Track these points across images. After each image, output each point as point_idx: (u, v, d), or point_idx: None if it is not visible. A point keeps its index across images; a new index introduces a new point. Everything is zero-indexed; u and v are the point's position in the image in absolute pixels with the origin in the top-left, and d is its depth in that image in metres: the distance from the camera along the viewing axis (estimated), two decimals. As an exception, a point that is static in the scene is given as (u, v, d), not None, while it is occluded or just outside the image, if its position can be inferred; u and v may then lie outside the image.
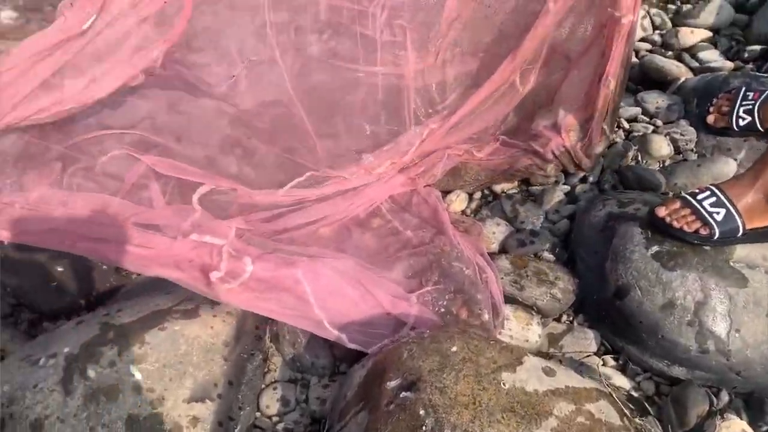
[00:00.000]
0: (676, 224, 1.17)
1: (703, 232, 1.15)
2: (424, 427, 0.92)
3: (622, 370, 1.23)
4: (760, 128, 1.45)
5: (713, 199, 1.17)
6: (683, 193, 1.21)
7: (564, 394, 0.98)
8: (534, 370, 1.01)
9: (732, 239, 1.15)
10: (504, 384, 0.97)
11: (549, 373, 1.01)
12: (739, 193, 1.17)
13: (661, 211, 1.19)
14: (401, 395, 0.97)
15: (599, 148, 1.45)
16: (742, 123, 1.46)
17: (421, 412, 0.93)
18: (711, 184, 1.20)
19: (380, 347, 1.15)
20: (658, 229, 1.19)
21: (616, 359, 1.25)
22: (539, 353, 1.24)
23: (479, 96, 1.41)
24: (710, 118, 1.52)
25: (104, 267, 1.42)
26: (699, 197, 1.18)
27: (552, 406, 0.95)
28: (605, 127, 1.41)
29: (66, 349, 1.11)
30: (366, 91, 1.50)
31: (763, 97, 1.44)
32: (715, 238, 1.14)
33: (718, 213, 1.14)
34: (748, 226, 1.15)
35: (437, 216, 1.42)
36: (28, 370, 1.09)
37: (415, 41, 1.46)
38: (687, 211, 1.18)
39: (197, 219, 1.22)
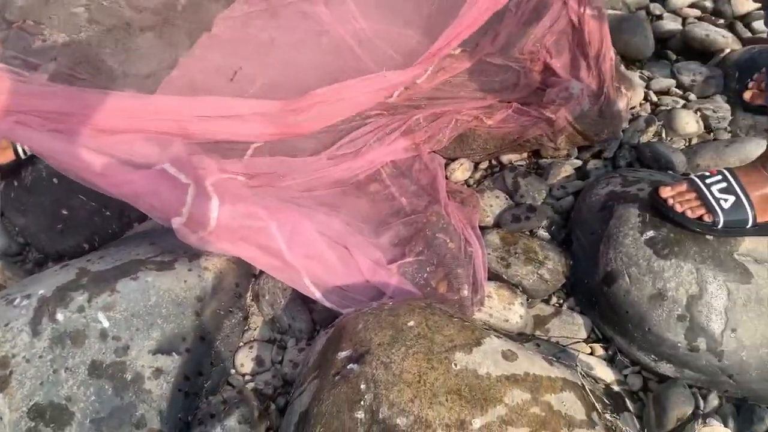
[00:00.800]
0: (678, 207, 1.06)
1: (707, 219, 1.04)
2: (362, 402, 0.88)
3: (611, 360, 1.15)
4: None
5: (723, 184, 1.05)
6: (692, 175, 1.10)
7: (521, 381, 0.92)
8: (492, 353, 0.95)
9: (738, 231, 1.04)
10: (455, 365, 0.91)
11: (509, 357, 0.95)
12: (756, 181, 1.04)
13: (665, 192, 1.09)
14: (348, 366, 0.94)
15: (621, 104, 1.34)
16: None
17: (363, 386, 0.90)
18: (725, 168, 1.08)
19: (353, 311, 1.12)
20: (659, 211, 1.08)
21: (605, 349, 1.17)
22: (521, 335, 1.18)
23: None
24: (747, 94, 1.37)
25: (107, 213, 1.44)
26: (708, 180, 1.06)
27: (503, 393, 0.89)
28: (618, 85, 1.31)
29: (40, 292, 1.13)
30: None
31: None
32: (719, 227, 1.03)
33: (725, 200, 1.03)
34: (760, 219, 1.03)
35: (435, 184, 1.36)
36: (3, 309, 1.12)
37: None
38: (693, 194, 1.06)
39: (179, 150, 1.17)
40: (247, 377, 1.23)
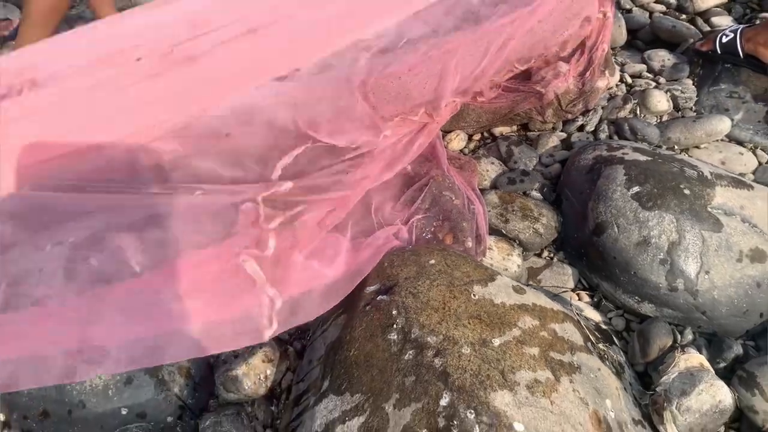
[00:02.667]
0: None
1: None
2: (395, 325, 0.98)
3: (596, 306, 1.29)
4: (740, 52, 1.54)
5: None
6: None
7: (530, 310, 1.04)
8: (504, 287, 1.07)
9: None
10: (474, 295, 1.03)
11: (519, 291, 1.07)
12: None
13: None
14: (378, 298, 1.04)
15: (601, 83, 1.49)
16: (725, 39, 1.56)
17: (394, 312, 1.00)
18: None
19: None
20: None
21: (591, 296, 1.30)
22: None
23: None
24: (697, 44, 1.60)
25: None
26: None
27: (517, 319, 1.01)
28: (603, 70, 1.45)
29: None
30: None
31: (749, 25, 1.55)
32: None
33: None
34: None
35: (435, 151, 1.46)
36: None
37: None
38: None
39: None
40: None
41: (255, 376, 1.15)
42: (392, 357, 0.95)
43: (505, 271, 1.28)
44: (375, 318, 1.01)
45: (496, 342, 0.96)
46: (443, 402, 0.88)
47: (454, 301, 1.01)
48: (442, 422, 0.86)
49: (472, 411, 0.86)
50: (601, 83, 1.52)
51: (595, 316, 1.25)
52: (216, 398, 1.20)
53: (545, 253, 1.36)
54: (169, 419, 1.12)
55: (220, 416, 1.13)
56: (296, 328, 1.30)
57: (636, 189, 1.21)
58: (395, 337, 0.97)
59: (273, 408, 1.18)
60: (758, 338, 1.20)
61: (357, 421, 0.92)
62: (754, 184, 1.28)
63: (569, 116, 1.54)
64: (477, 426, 0.85)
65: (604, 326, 1.23)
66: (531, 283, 1.31)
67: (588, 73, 1.47)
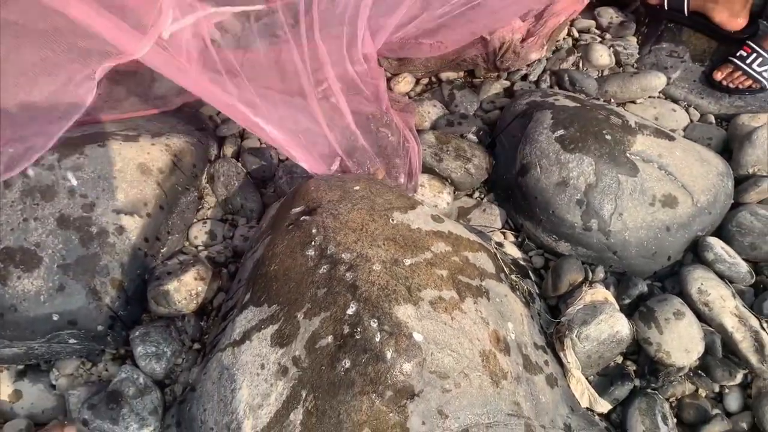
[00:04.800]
0: (731, 86, 1.52)
1: (755, 86, 1.51)
2: (313, 243, 1.03)
3: (519, 245, 1.35)
4: (686, 9, 1.59)
5: (759, 59, 1.49)
6: (731, 57, 1.53)
7: (446, 237, 1.10)
8: (423, 215, 1.12)
9: None
10: (392, 220, 1.08)
11: (437, 219, 1.13)
12: None
13: (718, 76, 1.54)
14: (301, 218, 1.09)
15: (534, 55, 1.52)
16: None
17: (314, 230, 1.05)
18: (752, 42, 1.51)
19: (307, 178, 1.22)
20: (719, 89, 1.54)
21: (516, 236, 1.37)
22: (447, 220, 1.36)
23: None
24: None
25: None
26: (748, 61, 1.50)
27: (431, 243, 1.07)
28: (545, 42, 1.49)
29: (10, 150, 1.21)
30: None
31: None
32: (767, 89, 1.52)
33: (765, 71, 1.49)
34: None
35: (378, 93, 1.50)
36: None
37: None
38: (739, 73, 1.51)
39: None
40: (200, 248, 1.36)
41: (186, 292, 1.20)
42: (308, 271, 1.01)
43: (435, 207, 1.33)
44: (296, 236, 1.06)
45: (407, 262, 1.01)
46: (350, 311, 0.94)
47: (372, 224, 1.06)
48: (346, 329, 0.92)
49: (376, 320, 0.92)
50: (534, 55, 1.55)
51: (516, 253, 1.31)
52: (149, 313, 1.25)
53: (476, 194, 1.42)
54: (100, 328, 1.17)
55: (150, 328, 1.19)
56: (232, 252, 1.35)
57: (560, 132, 1.26)
58: (312, 253, 1.02)
59: (203, 323, 1.24)
60: (665, 279, 1.27)
61: (271, 329, 0.98)
62: (676, 136, 1.34)
63: (496, 73, 1.59)
64: (378, 333, 0.91)
65: (522, 262, 1.30)
66: (461, 221, 1.37)
67: (532, 40, 1.50)
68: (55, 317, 1.13)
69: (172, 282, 1.20)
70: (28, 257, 1.14)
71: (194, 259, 1.28)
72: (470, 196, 1.42)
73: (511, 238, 1.36)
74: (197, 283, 1.22)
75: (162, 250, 1.31)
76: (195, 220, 1.39)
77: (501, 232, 1.36)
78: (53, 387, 1.19)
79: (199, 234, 1.37)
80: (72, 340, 1.15)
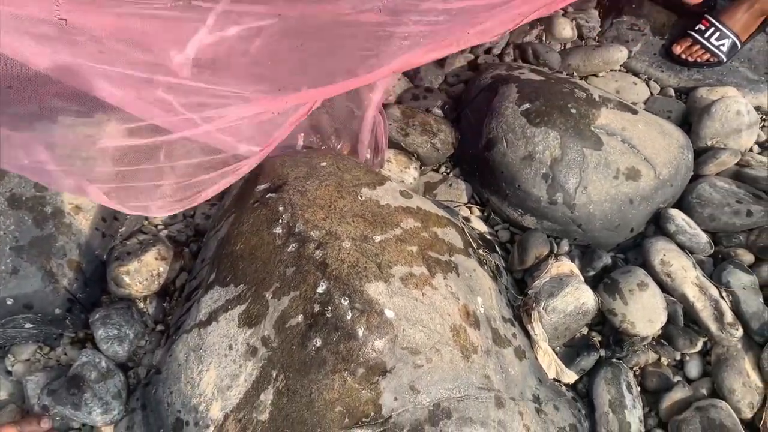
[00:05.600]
0: (690, 59, 1.52)
1: (713, 60, 1.52)
2: (280, 220, 1.01)
3: (485, 220, 1.35)
4: None
5: (717, 33, 1.50)
6: (689, 31, 1.54)
7: (414, 213, 1.09)
8: (392, 191, 1.11)
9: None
10: (361, 196, 1.06)
11: (405, 195, 1.12)
12: (733, 17, 1.51)
13: (677, 49, 1.54)
14: (267, 195, 1.06)
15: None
16: None
17: (281, 208, 1.03)
18: (710, 17, 1.52)
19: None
20: (678, 62, 1.55)
21: (482, 211, 1.37)
22: (413, 196, 1.35)
23: None
24: None
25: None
26: (706, 35, 1.51)
27: (400, 220, 1.06)
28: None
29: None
30: None
31: None
32: (724, 62, 1.53)
33: (723, 45, 1.50)
34: (743, 39, 1.53)
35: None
36: None
37: None
38: (697, 47, 1.52)
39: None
40: (160, 227, 1.32)
41: (147, 272, 1.17)
42: (276, 249, 0.98)
43: (402, 183, 1.32)
44: (262, 214, 1.03)
45: (377, 239, 1.00)
46: (320, 289, 0.92)
47: (341, 201, 1.04)
48: (317, 308, 0.91)
49: (347, 298, 0.91)
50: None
51: (482, 227, 1.32)
52: (108, 295, 1.21)
53: (442, 169, 1.41)
54: (57, 311, 1.13)
55: (110, 310, 1.15)
56: (194, 231, 1.31)
57: (526, 106, 1.26)
58: (280, 231, 1.00)
59: (165, 304, 1.20)
60: (628, 251, 1.30)
61: (239, 309, 0.96)
62: (638, 109, 1.36)
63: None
64: (350, 311, 0.90)
65: (489, 237, 1.30)
66: (427, 197, 1.36)
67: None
68: (9, 302, 1.09)
69: (133, 262, 1.16)
70: (-23, 239, 1.09)
71: (154, 238, 1.24)
72: (436, 171, 1.41)
73: (477, 212, 1.36)
74: (158, 263, 1.19)
75: (121, 230, 1.27)
76: (154, 199, 1.35)
77: (467, 206, 1.36)
78: (9, 373, 1.14)
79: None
80: (28, 325, 1.11)
